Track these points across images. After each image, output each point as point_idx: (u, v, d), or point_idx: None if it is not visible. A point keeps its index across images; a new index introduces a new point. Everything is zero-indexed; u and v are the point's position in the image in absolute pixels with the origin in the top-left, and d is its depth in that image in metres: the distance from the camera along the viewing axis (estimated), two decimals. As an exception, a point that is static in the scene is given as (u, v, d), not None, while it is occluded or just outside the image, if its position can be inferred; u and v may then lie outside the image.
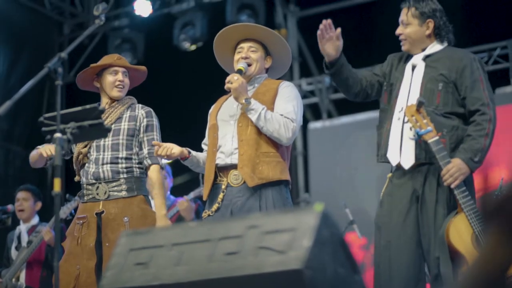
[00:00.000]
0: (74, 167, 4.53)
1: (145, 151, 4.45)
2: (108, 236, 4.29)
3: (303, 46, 10.36)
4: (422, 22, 4.01)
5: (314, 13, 10.29)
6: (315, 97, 9.96)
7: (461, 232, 3.62)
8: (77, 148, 4.50)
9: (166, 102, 8.65)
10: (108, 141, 4.43)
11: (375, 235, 3.92)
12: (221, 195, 4.06)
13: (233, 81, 4.05)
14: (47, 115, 3.40)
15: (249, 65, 4.21)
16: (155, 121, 4.53)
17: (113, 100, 4.55)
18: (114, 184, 4.38)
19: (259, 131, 4.06)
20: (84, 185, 4.45)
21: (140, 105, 4.59)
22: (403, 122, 3.87)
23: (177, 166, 8.00)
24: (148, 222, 4.36)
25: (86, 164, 4.46)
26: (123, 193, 4.37)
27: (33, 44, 9.98)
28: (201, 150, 4.35)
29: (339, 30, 3.91)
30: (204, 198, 4.19)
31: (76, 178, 4.54)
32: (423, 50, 4.02)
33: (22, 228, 6.86)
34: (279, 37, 4.28)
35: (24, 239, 6.74)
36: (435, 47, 4.02)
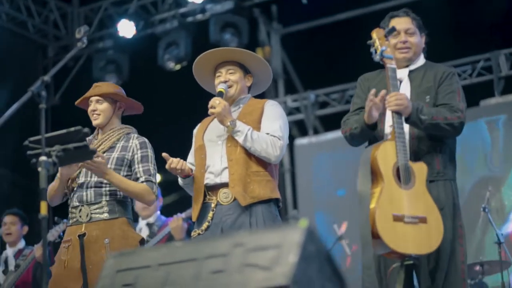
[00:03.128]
0: (67, 192, 4.54)
1: (142, 179, 4.42)
2: (91, 259, 4.29)
3: (287, 63, 10.40)
4: (420, 35, 4.06)
5: (297, 30, 10.34)
6: (301, 113, 10.00)
7: (387, 155, 3.69)
8: None
9: (151, 122, 8.64)
10: None
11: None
12: (210, 214, 4.07)
13: (216, 105, 4.06)
14: (32, 138, 3.39)
15: (229, 87, 4.23)
16: (150, 152, 4.50)
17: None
18: (96, 206, 4.39)
19: (248, 151, 4.08)
20: (70, 209, 4.47)
21: (136, 135, 4.57)
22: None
23: (165, 186, 8.00)
24: (128, 243, 4.35)
25: (75, 189, 4.47)
26: (105, 215, 4.37)
27: (17, 67, 9.94)
28: None
29: (384, 91, 3.81)
30: (194, 219, 4.19)
31: (69, 202, 4.55)
32: (407, 65, 4.02)
33: (9, 252, 6.86)
34: (253, 55, 4.30)
35: (11, 263, 6.73)
36: (419, 61, 4.06)
